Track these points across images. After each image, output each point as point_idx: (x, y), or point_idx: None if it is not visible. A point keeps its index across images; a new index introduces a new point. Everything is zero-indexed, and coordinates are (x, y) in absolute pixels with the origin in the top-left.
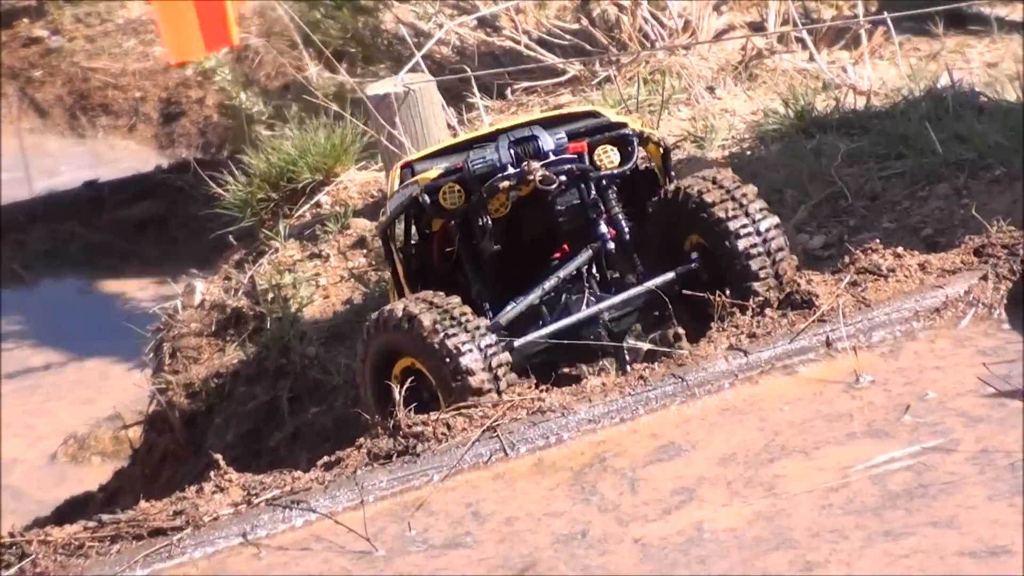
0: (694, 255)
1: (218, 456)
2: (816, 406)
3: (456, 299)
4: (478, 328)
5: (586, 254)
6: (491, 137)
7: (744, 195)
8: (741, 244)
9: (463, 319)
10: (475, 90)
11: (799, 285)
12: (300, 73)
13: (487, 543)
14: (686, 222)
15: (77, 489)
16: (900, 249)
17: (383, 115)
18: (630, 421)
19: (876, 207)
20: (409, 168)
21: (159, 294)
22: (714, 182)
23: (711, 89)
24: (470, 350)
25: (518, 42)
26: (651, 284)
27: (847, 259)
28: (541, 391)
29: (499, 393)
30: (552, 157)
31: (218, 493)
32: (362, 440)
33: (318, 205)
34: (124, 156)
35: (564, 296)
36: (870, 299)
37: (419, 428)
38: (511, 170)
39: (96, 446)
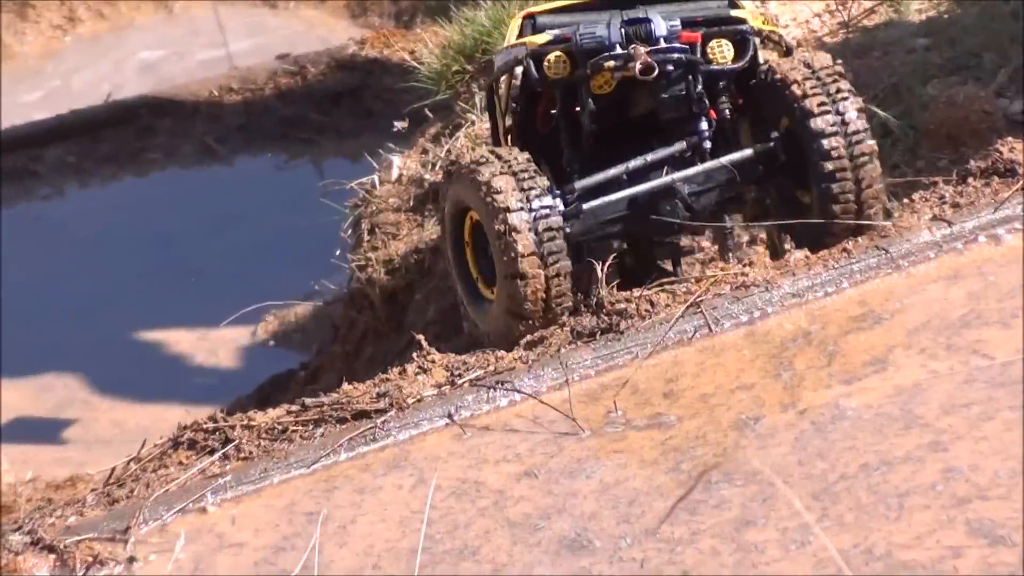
0: (774, 135)
1: (420, 336)
2: (1022, 275)
3: (524, 156)
4: (534, 189)
5: (679, 146)
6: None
7: (830, 75)
8: (816, 123)
9: (523, 176)
10: None
11: (1001, 153)
12: None
13: (685, 420)
14: (776, 105)
15: (279, 367)
16: None
17: None
18: (835, 295)
19: None
20: (531, 20)
21: (356, 168)
22: (805, 65)
23: None
24: (520, 208)
25: None
26: (728, 159)
27: None
28: (744, 265)
29: (542, 259)
30: (662, 44)
31: (421, 374)
32: (565, 318)
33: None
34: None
35: (650, 174)
36: None
37: (622, 305)
38: (619, 50)
39: (296, 323)
